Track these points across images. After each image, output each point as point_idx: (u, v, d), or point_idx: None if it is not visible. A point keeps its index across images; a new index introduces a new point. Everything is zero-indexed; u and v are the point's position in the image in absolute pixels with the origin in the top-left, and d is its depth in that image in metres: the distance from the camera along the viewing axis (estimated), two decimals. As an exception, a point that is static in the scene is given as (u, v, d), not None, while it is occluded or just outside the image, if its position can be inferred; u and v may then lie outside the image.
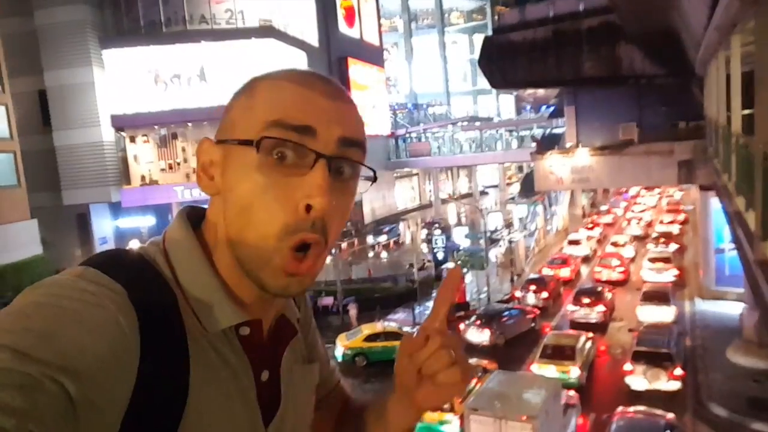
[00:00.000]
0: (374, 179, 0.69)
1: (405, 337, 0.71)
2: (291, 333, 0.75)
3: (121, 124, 26.32)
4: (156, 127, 26.67)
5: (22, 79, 26.01)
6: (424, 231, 27.59)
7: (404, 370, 0.70)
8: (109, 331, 0.53)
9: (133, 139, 26.99)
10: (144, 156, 27.12)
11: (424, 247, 23.13)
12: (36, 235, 23.51)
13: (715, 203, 15.98)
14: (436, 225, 25.30)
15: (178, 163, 27.00)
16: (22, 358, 0.46)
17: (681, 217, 31.58)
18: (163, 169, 27.05)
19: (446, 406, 11.11)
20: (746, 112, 7.94)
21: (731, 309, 16.14)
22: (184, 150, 27.00)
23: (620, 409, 10.70)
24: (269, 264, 0.61)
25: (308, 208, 0.60)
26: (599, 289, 18.26)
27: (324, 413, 0.90)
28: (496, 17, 30.70)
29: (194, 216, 0.70)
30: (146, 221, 28.70)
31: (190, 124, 26.18)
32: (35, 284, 0.56)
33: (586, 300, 17.30)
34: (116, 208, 27.97)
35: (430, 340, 0.68)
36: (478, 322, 16.27)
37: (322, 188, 0.60)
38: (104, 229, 28.94)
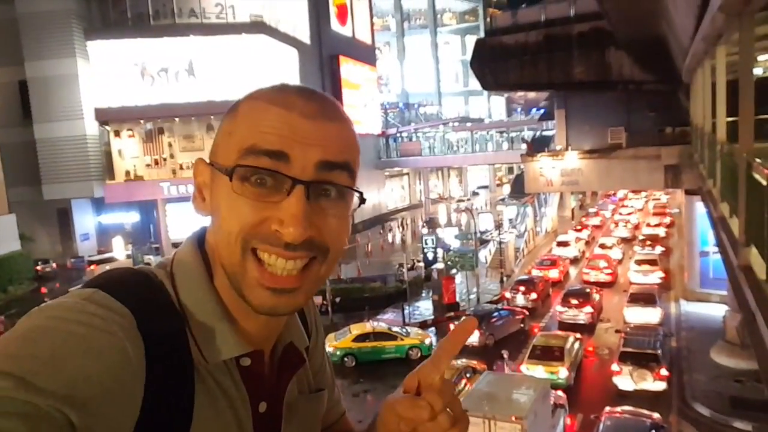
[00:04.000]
0: (362, 201, 0.66)
1: (395, 400, 0.62)
2: (298, 362, 0.73)
3: (105, 117, 25.68)
4: (142, 121, 26.07)
5: (2, 70, 25.23)
6: (425, 229, 27.75)
7: (393, 429, 0.63)
8: (116, 359, 0.52)
9: (117, 134, 26.38)
10: (129, 151, 26.49)
11: (428, 242, 23.05)
12: (15, 230, 22.71)
13: (700, 207, 16.29)
14: (441, 222, 25.29)
15: (165, 159, 26.46)
16: (27, 386, 0.46)
17: (667, 220, 32.16)
18: (148, 165, 26.46)
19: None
20: (730, 119, 8.11)
21: (715, 311, 16.47)
22: (170, 145, 26.44)
23: (607, 409, 10.86)
24: (244, 276, 0.60)
25: (278, 233, 0.59)
26: (587, 290, 18.47)
27: None
28: (489, 19, 30.89)
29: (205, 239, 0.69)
30: (130, 217, 28.11)
31: (177, 119, 25.73)
32: (42, 306, 0.55)
33: (574, 301, 17.49)
34: (99, 204, 27.32)
35: (427, 398, 0.60)
36: (468, 322, 16.34)
37: (295, 217, 0.58)
38: (86, 224, 28.26)
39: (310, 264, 0.62)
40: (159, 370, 0.56)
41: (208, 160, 0.65)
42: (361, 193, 0.65)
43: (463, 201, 34.23)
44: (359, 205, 0.66)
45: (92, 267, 24.01)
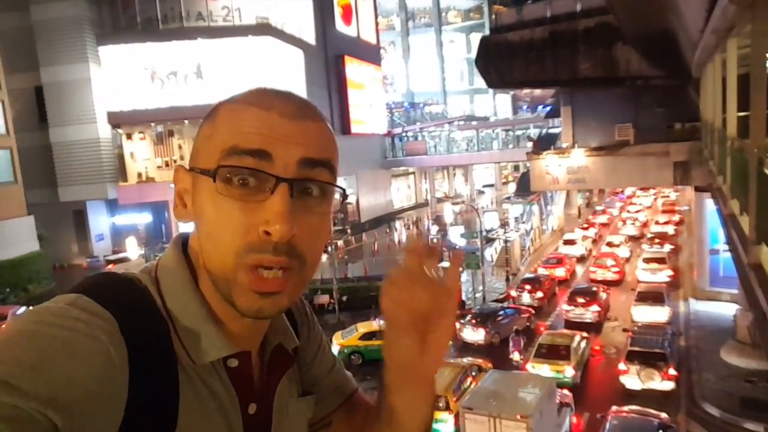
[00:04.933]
0: (344, 197, 0.67)
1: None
2: (287, 363, 0.74)
3: (117, 120, 26.19)
4: (153, 124, 26.52)
5: (18, 75, 25.81)
6: (435, 227, 27.80)
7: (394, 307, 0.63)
8: (99, 363, 0.53)
9: (129, 136, 26.84)
10: (140, 153, 26.97)
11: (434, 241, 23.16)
12: (32, 231, 23.37)
13: (710, 204, 16.07)
14: (447, 221, 25.55)
15: (175, 161, 26.90)
16: (12, 390, 0.47)
17: (676, 217, 31.77)
18: (159, 167, 26.91)
19: (441, 404, 11.15)
20: (741, 114, 7.98)
21: (725, 310, 16.24)
22: (180, 147, 26.84)
23: (614, 408, 10.77)
24: (235, 282, 0.61)
25: (267, 233, 0.59)
26: (594, 288, 18.31)
27: (342, 425, 0.86)
28: (494, 17, 30.75)
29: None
30: (143, 218, 28.63)
31: (186, 121, 26.04)
32: (27, 310, 0.57)
33: (581, 300, 17.36)
34: (113, 205, 27.92)
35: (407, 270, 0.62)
36: (474, 321, 16.30)
37: (281, 214, 0.59)
38: (101, 225, 28.90)
39: (289, 270, 0.62)
40: (142, 373, 0.56)
41: (188, 167, 0.66)
42: (343, 190, 0.66)
43: (457, 203, 34.26)
44: (342, 202, 0.67)
45: (110, 266, 24.51)
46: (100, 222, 28.83)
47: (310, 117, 0.64)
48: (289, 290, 0.63)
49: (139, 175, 26.90)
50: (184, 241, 0.69)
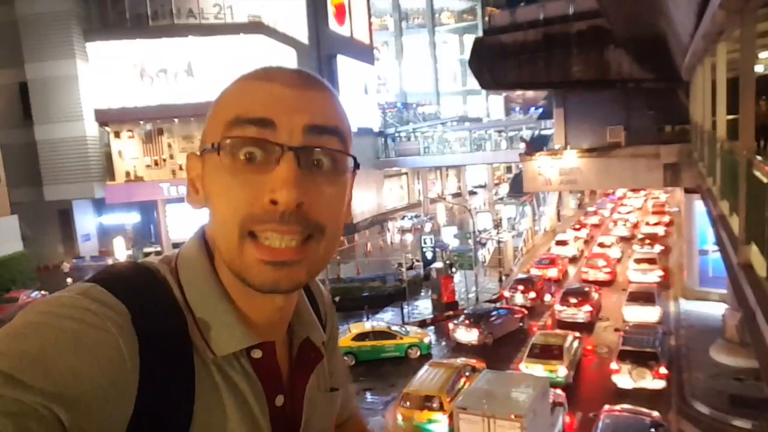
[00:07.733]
0: (356, 166, 0.64)
1: None
2: (316, 358, 0.72)
3: (105, 118, 25.76)
4: (141, 122, 26.13)
5: (2, 71, 25.39)
6: (429, 224, 27.80)
7: None
8: (108, 356, 0.51)
9: (117, 134, 26.43)
10: (129, 152, 26.56)
11: (426, 241, 23.11)
12: (17, 231, 22.90)
13: (699, 206, 16.29)
14: (439, 222, 25.62)
15: (164, 160, 26.51)
16: (16, 384, 0.46)
17: (666, 218, 32.19)
18: (148, 166, 26.53)
19: (435, 405, 11.16)
20: (731, 117, 8.10)
21: (714, 309, 16.47)
22: (170, 146, 26.50)
23: (606, 407, 10.86)
24: (243, 256, 0.58)
25: (274, 202, 0.57)
26: (586, 289, 18.49)
27: None
28: (487, 18, 30.91)
29: None
30: (130, 218, 28.25)
31: (176, 119, 25.73)
32: (38, 300, 0.54)
33: (573, 300, 17.51)
34: (100, 205, 27.48)
35: None
36: (467, 321, 16.35)
37: (286, 180, 0.56)
38: (87, 225, 28.49)
39: (309, 240, 0.59)
40: (154, 367, 0.55)
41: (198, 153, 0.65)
42: (354, 158, 0.63)
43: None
44: (354, 170, 0.64)
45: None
46: (86, 222, 28.40)
47: (316, 87, 0.62)
48: (307, 262, 0.59)
49: (128, 174, 26.48)
50: (205, 231, 0.67)
